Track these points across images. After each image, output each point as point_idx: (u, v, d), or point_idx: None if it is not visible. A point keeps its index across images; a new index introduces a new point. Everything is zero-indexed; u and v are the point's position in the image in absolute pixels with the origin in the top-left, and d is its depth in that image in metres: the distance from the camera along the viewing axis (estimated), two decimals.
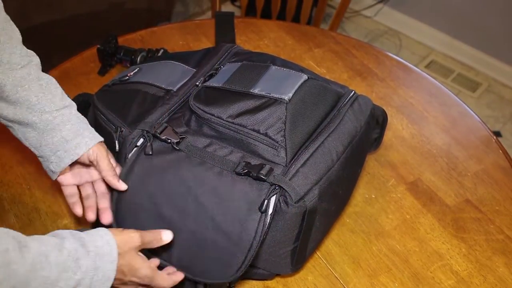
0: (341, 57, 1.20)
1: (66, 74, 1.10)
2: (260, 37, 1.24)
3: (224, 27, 1.22)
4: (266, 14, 1.66)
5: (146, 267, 0.64)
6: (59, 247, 0.55)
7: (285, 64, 0.85)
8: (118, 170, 0.74)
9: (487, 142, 1.04)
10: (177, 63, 0.90)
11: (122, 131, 0.77)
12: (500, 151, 1.02)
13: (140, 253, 0.65)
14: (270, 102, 0.74)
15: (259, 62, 0.84)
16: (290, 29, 1.27)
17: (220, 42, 1.16)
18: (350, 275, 0.81)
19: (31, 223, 0.85)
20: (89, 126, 0.75)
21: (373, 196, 0.92)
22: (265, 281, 0.80)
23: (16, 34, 0.71)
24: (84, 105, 0.96)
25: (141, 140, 0.75)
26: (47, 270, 0.53)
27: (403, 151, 1.01)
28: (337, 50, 1.22)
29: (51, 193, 0.88)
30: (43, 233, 0.59)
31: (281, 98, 0.74)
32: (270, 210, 0.68)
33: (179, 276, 0.69)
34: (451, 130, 1.06)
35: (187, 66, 0.89)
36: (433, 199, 0.93)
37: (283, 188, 0.67)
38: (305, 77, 0.80)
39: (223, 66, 0.85)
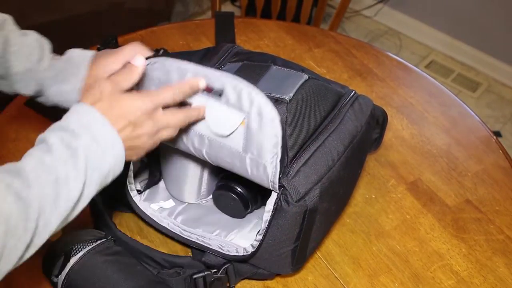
0: (341, 57, 1.20)
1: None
2: (260, 37, 1.24)
3: (224, 27, 1.22)
4: (266, 14, 1.66)
5: (135, 96, 0.58)
6: (47, 149, 0.53)
7: (286, 64, 0.85)
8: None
9: (487, 142, 1.04)
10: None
11: None
12: (500, 151, 1.02)
13: (124, 92, 0.59)
14: None
15: (259, 62, 0.84)
16: (290, 29, 1.27)
17: (220, 42, 1.16)
18: (350, 275, 0.81)
19: None
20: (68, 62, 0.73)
21: (373, 196, 0.92)
22: (265, 281, 0.80)
23: None
24: None
25: None
26: (52, 172, 0.51)
27: (403, 151, 1.01)
28: (337, 50, 1.22)
29: None
30: None
31: (281, 98, 0.74)
32: (271, 208, 0.68)
33: (191, 79, 0.63)
34: (451, 130, 1.06)
35: None
36: (433, 199, 0.93)
37: (284, 187, 0.68)
38: (305, 76, 0.80)
39: (224, 67, 0.85)
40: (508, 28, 2.19)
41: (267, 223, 0.70)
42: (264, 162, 0.67)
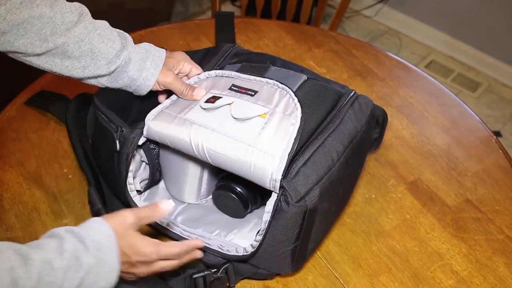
0: (341, 57, 1.20)
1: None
2: (260, 37, 1.24)
3: (224, 27, 1.22)
4: (266, 14, 1.66)
5: (147, 244, 0.62)
6: (60, 251, 0.56)
7: (285, 64, 0.85)
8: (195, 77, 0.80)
9: (487, 142, 1.04)
10: None
11: (122, 130, 0.77)
12: (500, 151, 1.02)
13: (139, 233, 0.63)
14: None
15: (258, 63, 0.84)
16: (290, 29, 1.27)
17: (220, 42, 1.16)
18: (350, 275, 0.81)
19: (31, 223, 0.85)
20: (149, 53, 0.77)
21: (373, 196, 0.92)
22: (265, 280, 0.80)
23: None
24: (84, 105, 0.95)
25: (143, 139, 0.76)
26: (53, 276, 0.54)
27: (403, 151, 1.01)
28: (337, 50, 1.22)
29: (51, 193, 0.88)
30: (43, 233, 0.59)
31: None
32: (271, 209, 0.68)
33: (193, 241, 0.66)
34: (451, 130, 1.06)
35: None
36: (433, 199, 0.93)
37: (284, 188, 0.67)
38: (304, 77, 0.80)
39: (223, 68, 0.85)
40: (508, 28, 2.19)
41: (267, 224, 0.70)
42: (271, 156, 0.67)
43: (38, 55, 0.71)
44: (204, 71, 0.83)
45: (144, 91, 0.78)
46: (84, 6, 0.75)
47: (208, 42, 1.21)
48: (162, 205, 0.64)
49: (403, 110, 1.09)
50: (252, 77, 0.78)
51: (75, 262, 0.56)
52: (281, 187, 0.67)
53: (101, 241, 0.59)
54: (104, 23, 0.75)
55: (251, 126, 0.70)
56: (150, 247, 0.62)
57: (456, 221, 0.90)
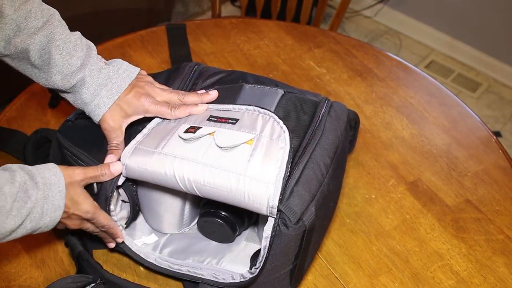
0: (341, 57, 1.20)
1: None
2: (260, 37, 1.24)
3: (177, 40, 1.19)
4: (266, 14, 1.66)
5: (88, 203, 0.68)
6: (11, 180, 0.60)
7: (258, 80, 0.82)
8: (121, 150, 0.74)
9: (487, 142, 1.04)
10: None
11: None
12: (500, 151, 1.02)
13: (83, 189, 0.68)
14: None
15: (230, 84, 0.81)
16: (290, 29, 1.27)
17: (175, 56, 1.15)
18: (350, 275, 0.81)
19: None
20: (110, 80, 0.73)
21: (373, 196, 0.92)
22: None
23: None
24: (43, 142, 0.90)
25: (122, 179, 0.72)
26: (2, 200, 0.58)
27: (403, 151, 1.01)
28: (337, 50, 1.22)
29: None
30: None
31: None
32: (269, 234, 0.66)
33: (118, 233, 0.73)
34: (451, 130, 1.06)
35: None
36: (433, 199, 0.93)
37: (281, 211, 0.65)
38: (281, 92, 0.78)
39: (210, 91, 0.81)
40: (508, 28, 2.19)
41: (266, 250, 0.67)
42: (265, 183, 0.65)
43: (8, 56, 0.71)
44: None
45: (95, 119, 0.74)
46: (56, 12, 0.73)
47: (208, 42, 1.21)
48: (112, 166, 0.70)
49: (403, 110, 1.09)
50: (231, 106, 0.75)
51: (23, 194, 0.60)
52: (278, 210, 0.65)
53: (50, 179, 0.63)
54: (70, 35, 0.73)
55: (239, 154, 0.67)
56: (89, 207, 0.68)
57: (456, 221, 0.90)
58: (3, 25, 0.68)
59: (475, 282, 0.82)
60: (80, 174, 0.68)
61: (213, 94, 0.79)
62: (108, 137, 0.74)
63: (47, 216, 0.63)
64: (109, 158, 0.71)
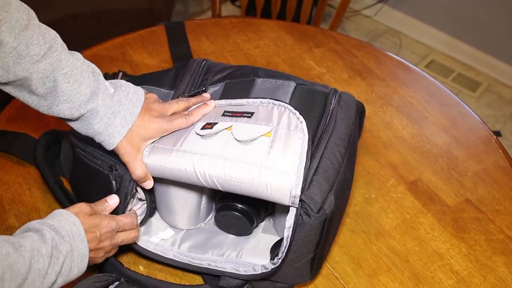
0: (341, 57, 1.20)
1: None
2: (260, 36, 1.24)
3: (177, 38, 1.19)
4: (266, 14, 1.66)
5: (104, 218, 0.69)
6: (43, 240, 0.60)
7: (268, 73, 0.82)
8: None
9: (487, 142, 1.04)
10: (151, 87, 0.86)
11: (117, 169, 0.73)
12: (500, 151, 1.02)
13: (93, 216, 0.69)
14: None
15: (241, 78, 0.81)
16: (290, 29, 1.27)
17: (175, 54, 1.15)
18: (350, 275, 0.81)
19: None
20: (122, 106, 0.70)
21: (373, 196, 0.92)
22: None
23: (32, 20, 0.65)
24: (53, 143, 0.90)
25: None
26: (41, 262, 0.58)
27: (403, 151, 1.01)
28: (337, 49, 1.22)
29: (51, 193, 0.88)
30: None
31: None
32: (292, 224, 0.67)
33: (134, 220, 0.74)
34: (451, 130, 1.06)
35: (163, 89, 0.86)
36: (433, 199, 0.93)
37: (303, 200, 0.66)
38: (293, 84, 0.78)
39: (206, 91, 0.82)
40: (508, 28, 2.19)
41: (288, 239, 0.67)
42: (286, 174, 0.65)
43: (5, 84, 0.66)
44: (181, 92, 0.81)
45: (107, 148, 0.71)
46: (57, 35, 0.68)
47: (208, 41, 1.21)
48: (109, 201, 0.72)
49: (403, 110, 1.09)
50: (244, 100, 0.75)
51: (55, 250, 0.60)
52: (300, 200, 0.66)
53: (72, 230, 0.64)
54: (76, 61, 0.68)
55: (258, 147, 0.68)
56: (107, 218, 0.69)
57: (456, 221, 0.90)
58: (3, 54, 0.63)
59: (475, 282, 0.82)
60: (85, 207, 0.69)
61: (207, 95, 0.80)
62: (129, 168, 0.72)
63: (75, 267, 0.63)
64: (112, 199, 0.73)
